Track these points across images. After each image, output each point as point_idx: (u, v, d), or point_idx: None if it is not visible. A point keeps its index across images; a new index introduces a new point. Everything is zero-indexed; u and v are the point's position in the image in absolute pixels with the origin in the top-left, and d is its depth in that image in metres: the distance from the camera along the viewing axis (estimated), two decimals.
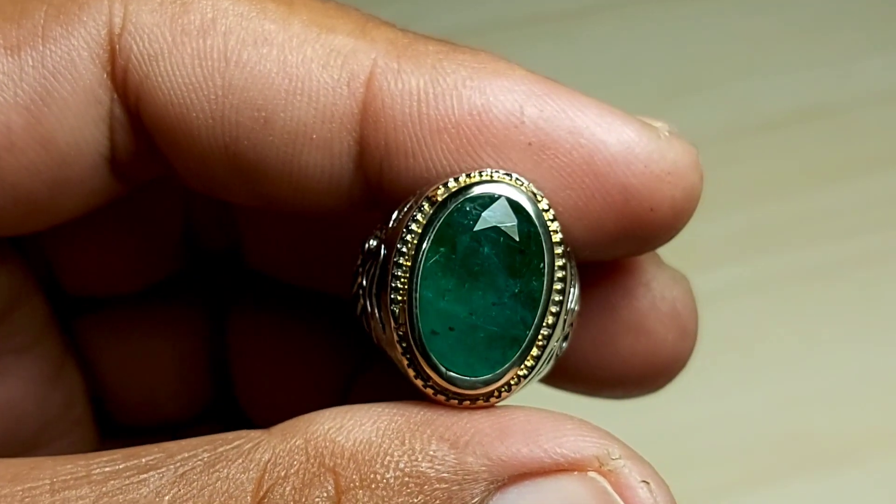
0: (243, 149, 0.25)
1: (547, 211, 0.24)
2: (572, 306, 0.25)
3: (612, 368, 0.30)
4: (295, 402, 0.34)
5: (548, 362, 0.24)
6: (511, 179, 0.24)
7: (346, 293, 0.27)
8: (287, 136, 0.25)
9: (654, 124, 0.26)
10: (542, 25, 0.79)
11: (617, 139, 0.25)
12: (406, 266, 0.23)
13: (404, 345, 0.23)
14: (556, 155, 0.25)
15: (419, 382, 0.23)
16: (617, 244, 0.26)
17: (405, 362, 0.23)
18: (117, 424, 0.35)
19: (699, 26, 0.81)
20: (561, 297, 0.24)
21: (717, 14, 0.81)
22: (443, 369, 0.23)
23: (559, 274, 0.24)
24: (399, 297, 0.23)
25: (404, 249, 0.23)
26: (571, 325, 0.25)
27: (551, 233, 0.23)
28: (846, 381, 0.60)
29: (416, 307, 0.23)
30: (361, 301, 0.25)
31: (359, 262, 0.26)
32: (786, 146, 0.72)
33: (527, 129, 0.25)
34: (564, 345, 0.25)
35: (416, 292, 0.23)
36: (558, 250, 0.24)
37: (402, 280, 0.23)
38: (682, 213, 0.26)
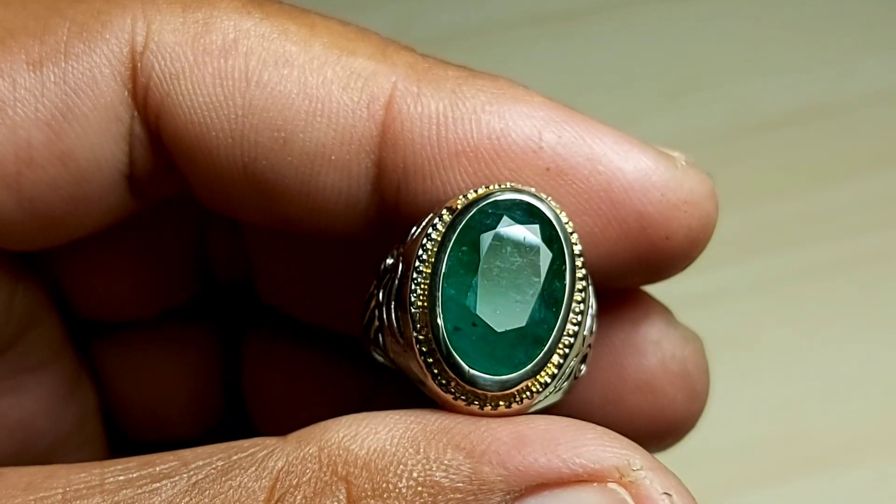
0: (262, 169, 0.26)
1: (567, 223, 0.24)
2: (591, 324, 0.25)
3: (619, 426, 0.29)
4: (307, 422, 0.34)
5: (567, 379, 0.24)
6: (532, 191, 0.24)
7: (358, 330, 0.27)
8: (306, 156, 0.25)
9: (672, 154, 0.26)
10: (542, 25, 0.79)
11: (634, 167, 0.25)
12: (426, 272, 0.23)
13: (424, 348, 0.23)
14: (574, 181, 0.25)
15: (439, 388, 0.23)
16: (632, 271, 0.26)
17: (424, 366, 0.23)
18: (128, 440, 0.35)
19: (699, 26, 0.80)
20: (582, 307, 0.23)
21: (717, 14, 0.81)
22: (465, 368, 0.23)
23: (580, 284, 0.23)
24: (419, 302, 0.23)
25: (424, 256, 0.23)
26: (590, 346, 0.25)
27: (572, 242, 0.23)
28: (846, 381, 0.60)
29: (438, 305, 0.23)
30: (376, 322, 0.25)
31: (373, 286, 0.26)
32: (786, 146, 0.72)
33: (545, 154, 0.25)
34: (583, 367, 0.25)
35: (438, 291, 0.23)
36: (578, 261, 0.23)
37: (423, 285, 0.23)
38: (698, 241, 0.26)
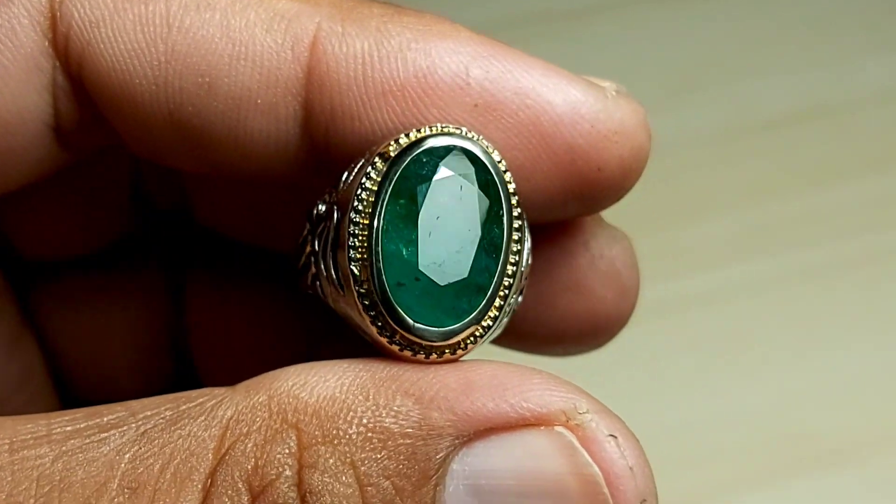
0: (188, 115, 0.25)
1: (500, 162, 0.23)
2: (527, 258, 0.25)
3: (552, 326, 0.29)
4: (256, 373, 0.34)
5: (507, 316, 0.24)
6: (462, 133, 0.23)
7: (294, 253, 0.26)
8: (231, 101, 0.25)
9: (602, 84, 0.26)
10: (542, 25, 0.79)
11: (563, 99, 0.25)
12: (363, 224, 0.23)
13: (366, 302, 0.23)
14: (503, 116, 0.25)
15: (384, 339, 0.23)
16: (565, 204, 0.26)
17: (368, 320, 0.23)
18: (78, 400, 0.35)
19: (699, 26, 0.80)
20: (519, 247, 0.23)
21: (717, 14, 0.81)
22: (410, 322, 0.22)
23: (516, 224, 0.23)
24: (358, 255, 0.23)
25: (360, 207, 0.23)
26: (526, 279, 0.25)
27: (507, 182, 0.23)
28: (846, 381, 0.60)
29: (379, 261, 0.22)
30: (313, 268, 0.25)
31: (306, 231, 0.25)
32: (786, 146, 0.72)
33: (472, 90, 0.25)
34: (520, 299, 0.25)
35: (377, 246, 0.22)
36: (514, 200, 0.23)
37: (361, 238, 0.23)
38: (630, 172, 0.26)
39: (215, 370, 0.35)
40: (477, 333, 0.23)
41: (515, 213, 0.23)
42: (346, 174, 0.24)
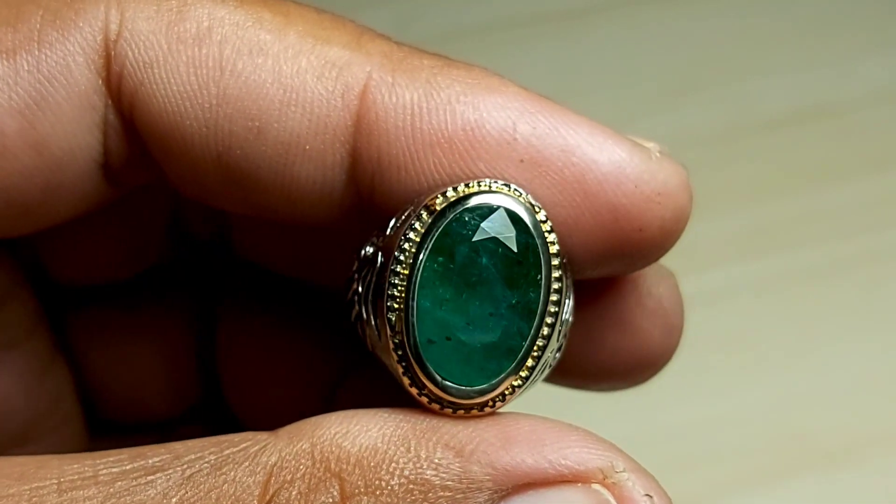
0: (236, 158, 0.26)
1: (545, 222, 0.24)
2: (567, 317, 0.25)
3: (600, 363, 0.30)
4: (282, 401, 0.34)
5: (542, 372, 0.24)
6: (509, 190, 0.24)
7: (335, 283, 0.27)
8: (280, 146, 0.25)
9: (646, 145, 0.26)
10: (542, 25, 0.79)
11: (608, 158, 0.25)
12: (403, 274, 0.23)
13: (400, 353, 0.23)
14: (548, 172, 0.25)
15: (414, 391, 0.23)
16: (606, 262, 0.26)
17: (401, 370, 0.23)
18: (106, 421, 0.35)
19: (699, 26, 0.81)
20: (557, 309, 0.24)
21: (717, 14, 0.81)
22: (438, 378, 0.23)
23: (556, 286, 0.23)
24: (396, 306, 0.23)
25: (402, 258, 0.23)
26: (566, 336, 0.25)
27: (549, 244, 0.23)
28: (846, 381, 0.60)
29: (413, 315, 0.23)
30: (357, 307, 0.25)
31: (354, 268, 0.26)
32: (786, 146, 0.72)
33: (519, 145, 0.25)
34: (558, 355, 0.25)
35: (413, 301, 0.23)
36: (555, 262, 0.23)
37: (399, 288, 0.23)
38: (671, 233, 0.26)
39: (243, 395, 0.35)
40: (506, 392, 0.23)
41: (556, 275, 0.23)
42: (393, 220, 0.25)
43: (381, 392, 0.28)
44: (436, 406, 0.23)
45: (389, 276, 0.23)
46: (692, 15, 0.81)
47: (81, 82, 0.25)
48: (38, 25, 0.25)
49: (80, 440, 0.34)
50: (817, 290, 0.64)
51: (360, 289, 0.25)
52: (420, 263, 0.23)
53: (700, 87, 0.76)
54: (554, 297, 0.23)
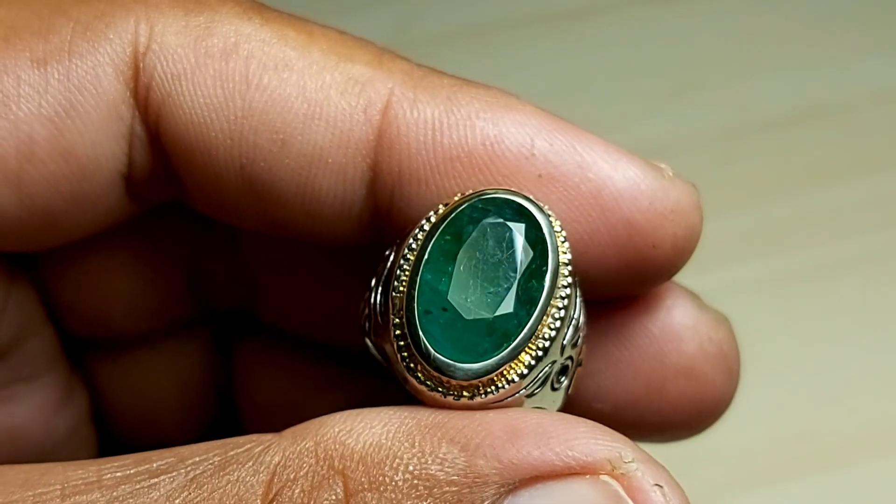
0: (259, 170, 0.26)
1: (560, 232, 0.24)
2: (575, 336, 0.25)
3: (663, 413, 0.30)
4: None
5: (541, 385, 0.24)
6: (528, 197, 0.24)
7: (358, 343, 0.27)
8: (303, 159, 0.26)
9: (659, 165, 0.27)
10: (542, 25, 0.79)
11: (623, 175, 0.26)
12: (412, 258, 0.23)
13: (399, 331, 0.23)
14: (565, 188, 0.25)
15: (406, 370, 0.23)
16: (619, 280, 0.27)
17: (396, 349, 0.23)
18: (121, 445, 0.35)
19: (699, 26, 0.80)
20: (563, 312, 0.23)
21: (717, 14, 0.81)
22: (431, 351, 0.23)
23: (565, 283, 0.23)
24: (401, 286, 0.23)
25: (413, 245, 0.23)
26: (572, 360, 0.25)
27: (559, 246, 0.24)
28: (846, 381, 0.60)
29: (414, 288, 0.23)
30: (367, 309, 0.25)
31: (371, 284, 0.26)
32: (786, 146, 0.72)
33: (537, 161, 0.25)
34: (563, 379, 0.25)
35: (417, 276, 0.23)
36: (565, 263, 0.24)
37: (407, 270, 0.23)
38: (683, 251, 0.27)
39: (260, 423, 0.35)
40: (498, 383, 0.23)
41: (565, 282, 0.24)
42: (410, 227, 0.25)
43: None
44: (425, 387, 0.23)
45: (399, 262, 0.24)
46: (692, 15, 0.81)
47: (110, 92, 0.26)
48: (69, 36, 0.26)
49: None
50: (817, 290, 0.64)
51: (371, 285, 0.25)
52: (430, 243, 0.23)
53: (700, 87, 0.76)
54: (563, 293, 0.23)
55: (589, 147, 0.26)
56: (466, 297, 0.23)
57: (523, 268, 0.23)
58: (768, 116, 0.74)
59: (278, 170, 0.26)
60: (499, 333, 0.23)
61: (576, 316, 0.25)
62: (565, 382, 0.25)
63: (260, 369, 0.34)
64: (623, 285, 0.27)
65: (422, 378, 0.23)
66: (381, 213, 0.27)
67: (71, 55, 0.25)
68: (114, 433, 0.35)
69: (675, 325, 0.29)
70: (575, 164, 0.25)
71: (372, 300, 0.25)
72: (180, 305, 0.33)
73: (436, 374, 0.23)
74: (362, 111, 0.26)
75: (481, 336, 0.23)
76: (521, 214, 0.23)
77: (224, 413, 0.35)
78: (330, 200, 0.26)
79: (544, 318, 0.23)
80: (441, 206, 0.24)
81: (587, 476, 0.21)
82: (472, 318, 0.23)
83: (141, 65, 0.26)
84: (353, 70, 0.26)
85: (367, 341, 0.26)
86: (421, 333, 0.23)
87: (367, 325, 0.25)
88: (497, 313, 0.23)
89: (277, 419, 0.34)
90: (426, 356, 0.23)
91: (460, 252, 0.23)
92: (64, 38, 0.26)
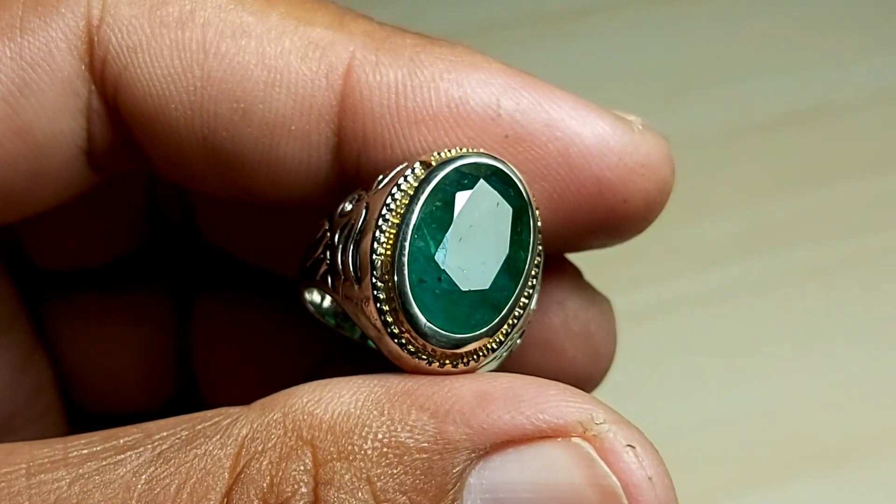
0: (221, 140, 0.26)
1: (533, 197, 0.24)
2: (536, 298, 0.25)
3: None
4: (255, 394, 0.34)
5: (508, 349, 0.24)
6: (502, 161, 0.24)
7: (292, 273, 0.26)
8: (265, 127, 0.25)
9: (628, 118, 0.26)
10: (542, 25, 0.79)
11: (591, 132, 0.25)
12: (393, 221, 0.23)
13: (382, 295, 0.23)
14: (532, 147, 0.25)
15: (389, 337, 0.23)
16: (590, 235, 0.26)
17: (377, 313, 0.23)
18: (84, 413, 0.35)
19: (699, 26, 0.80)
20: (535, 280, 0.24)
21: (717, 14, 0.81)
22: (423, 321, 0.22)
23: (538, 250, 0.24)
24: (382, 250, 0.23)
25: (392, 206, 0.23)
26: (529, 322, 0.25)
27: (535, 213, 0.24)
28: (846, 381, 0.60)
29: (404, 255, 0.22)
30: (326, 264, 0.25)
31: (324, 229, 0.25)
32: (786, 146, 0.72)
33: (503, 121, 0.25)
34: (519, 341, 0.25)
35: (405, 241, 0.22)
36: (539, 234, 0.24)
37: (388, 233, 0.23)
38: (655, 205, 0.26)
39: (218, 389, 0.35)
40: (480, 352, 0.23)
41: (539, 249, 0.24)
42: (381, 177, 0.24)
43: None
44: (408, 354, 0.23)
45: (377, 221, 0.23)
46: (692, 15, 0.81)
47: (64, 68, 0.25)
48: (20, 13, 0.25)
49: (60, 432, 0.34)
50: (817, 290, 0.64)
51: (335, 241, 0.24)
52: (417, 206, 0.23)
53: (700, 87, 0.76)
54: (537, 261, 0.23)
55: (556, 104, 0.25)
56: (462, 267, 0.23)
57: (511, 240, 0.23)
58: (768, 116, 0.74)
59: (241, 139, 0.26)
60: (489, 304, 0.23)
61: (539, 283, 0.25)
62: (519, 342, 0.25)
63: (218, 331, 0.34)
64: (594, 240, 0.27)
65: (405, 343, 0.23)
66: (347, 177, 0.26)
67: (22, 32, 0.25)
68: (79, 404, 0.35)
69: (545, 298, 0.29)
70: (542, 122, 0.25)
71: (340, 260, 0.24)
72: (138, 227, 0.33)
73: (422, 342, 0.23)
74: (324, 76, 0.25)
75: (474, 307, 0.23)
76: (507, 183, 0.23)
77: (186, 381, 0.35)
78: (295, 167, 0.26)
79: (525, 284, 0.23)
80: (418, 164, 0.23)
81: (559, 439, 0.21)
82: (467, 289, 0.23)
83: (95, 38, 0.25)
84: (313, 33, 0.25)
85: (307, 293, 0.26)
86: (414, 302, 0.22)
87: (326, 278, 0.25)
88: (490, 285, 0.23)
89: (235, 384, 0.34)
90: (416, 325, 0.22)
91: (454, 221, 0.23)
92: (14, 15, 0.25)
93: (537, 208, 0.24)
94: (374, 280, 0.23)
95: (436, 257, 0.22)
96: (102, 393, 0.35)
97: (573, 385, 0.29)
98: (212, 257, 0.34)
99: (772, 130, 0.73)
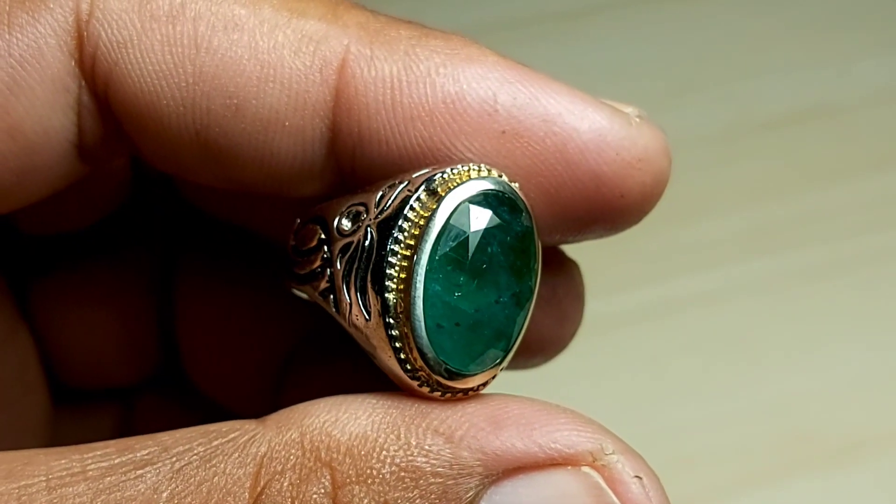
0: (214, 136, 0.25)
1: (532, 212, 0.24)
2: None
3: None
4: (238, 368, 0.34)
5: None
6: (503, 177, 0.24)
7: (277, 234, 0.26)
8: (259, 123, 0.25)
9: (625, 110, 0.26)
10: (542, 25, 0.79)
11: (589, 127, 0.25)
12: (403, 255, 0.22)
13: (395, 332, 0.23)
14: (529, 143, 0.25)
15: (404, 373, 0.23)
16: (586, 228, 0.26)
17: (392, 351, 0.23)
18: (67, 388, 0.35)
19: (699, 26, 0.81)
20: (532, 304, 0.24)
21: (717, 14, 0.81)
22: (442, 363, 0.22)
23: (540, 275, 0.24)
24: (394, 286, 0.22)
25: (401, 238, 0.23)
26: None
27: (537, 234, 0.24)
28: (846, 381, 0.60)
29: (419, 298, 0.22)
30: (325, 282, 0.25)
31: (319, 235, 0.25)
32: (786, 146, 0.72)
33: (500, 117, 0.25)
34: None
35: (420, 284, 0.22)
36: (540, 249, 0.24)
37: (398, 267, 0.22)
38: (652, 197, 0.26)
39: (200, 362, 0.35)
40: (489, 381, 0.23)
41: (541, 265, 0.24)
42: (379, 193, 0.24)
43: (338, 359, 0.27)
44: (425, 389, 0.23)
45: (388, 256, 0.23)
46: (692, 15, 0.81)
47: (54, 65, 0.25)
48: (7, 8, 0.25)
49: (44, 408, 0.34)
50: (817, 290, 0.64)
51: (339, 265, 0.24)
52: (425, 245, 0.22)
53: (700, 87, 0.76)
54: (537, 287, 0.24)
55: (553, 98, 0.25)
56: (476, 309, 0.23)
57: (522, 270, 0.23)
58: (768, 116, 0.74)
59: (234, 134, 0.25)
60: (503, 340, 0.23)
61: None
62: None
63: (200, 303, 0.34)
64: (588, 233, 0.27)
65: (421, 382, 0.23)
66: (343, 172, 0.26)
67: (11, 28, 0.25)
68: (62, 379, 0.35)
69: None
70: (539, 117, 0.25)
71: (344, 287, 0.24)
72: (120, 185, 0.33)
73: (436, 377, 0.23)
74: (318, 71, 0.25)
75: (489, 344, 0.23)
76: (514, 210, 0.23)
77: (169, 355, 0.35)
78: (290, 162, 0.26)
79: (528, 313, 0.24)
80: (423, 191, 0.23)
81: (569, 467, 0.21)
82: (484, 330, 0.23)
83: (85, 33, 0.25)
84: (307, 26, 0.25)
85: (297, 291, 0.25)
86: (432, 347, 0.22)
87: (329, 297, 0.25)
88: (504, 321, 0.23)
89: (217, 356, 0.34)
90: (433, 367, 0.23)
91: (467, 262, 0.22)
92: (2, 10, 0.25)
93: (536, 225, 0.24)
94: (387, 320, 0.23)
95: (453, 303, 0.23)
96: (87, 368, 0.35)
97: (538, 347, 0.30)
98: (193, 220, 0.34)
99: (772, 130, 0.73)
